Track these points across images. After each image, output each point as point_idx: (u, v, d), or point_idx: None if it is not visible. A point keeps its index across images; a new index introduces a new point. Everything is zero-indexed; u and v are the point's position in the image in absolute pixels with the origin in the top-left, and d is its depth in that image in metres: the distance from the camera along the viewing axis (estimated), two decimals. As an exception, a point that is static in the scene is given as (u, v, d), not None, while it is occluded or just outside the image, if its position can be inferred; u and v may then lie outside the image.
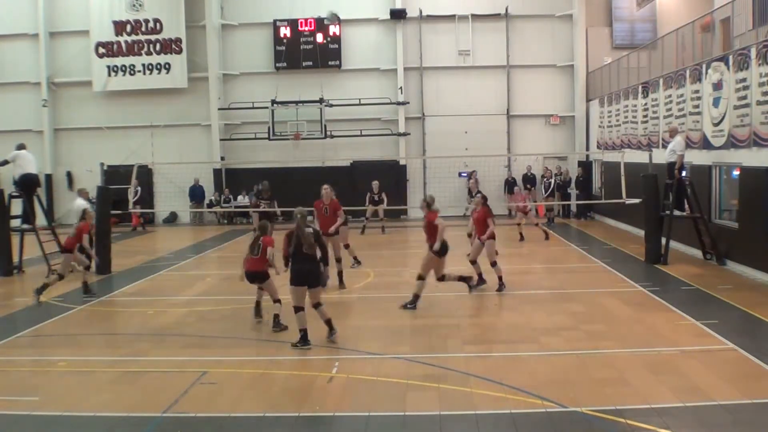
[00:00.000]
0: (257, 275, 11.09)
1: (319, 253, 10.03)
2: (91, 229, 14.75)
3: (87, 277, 14.30)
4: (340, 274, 14.19)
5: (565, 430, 6.88)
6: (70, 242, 13.86)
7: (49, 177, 28.65)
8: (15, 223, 17.02)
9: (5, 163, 17.00)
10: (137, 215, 26.05)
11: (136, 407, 7.71)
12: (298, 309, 9.87)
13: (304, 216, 10.03)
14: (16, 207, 17.11)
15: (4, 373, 9.12)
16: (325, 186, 14.79)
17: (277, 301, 11.00)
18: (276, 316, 10.86)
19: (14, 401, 7.90)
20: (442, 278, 12.28)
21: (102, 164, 19.41)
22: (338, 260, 14.27)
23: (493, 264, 13.41)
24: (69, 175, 29.30)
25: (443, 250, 11.95)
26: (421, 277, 12.12)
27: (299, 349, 9.70)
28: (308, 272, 9.85)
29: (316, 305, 10.05)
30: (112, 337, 11.16)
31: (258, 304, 11.60)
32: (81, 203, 16.58)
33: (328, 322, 10.11)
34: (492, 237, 13.42)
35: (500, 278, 13.33)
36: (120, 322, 12.27)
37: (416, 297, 12.13)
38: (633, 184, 17.83)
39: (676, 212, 16.11)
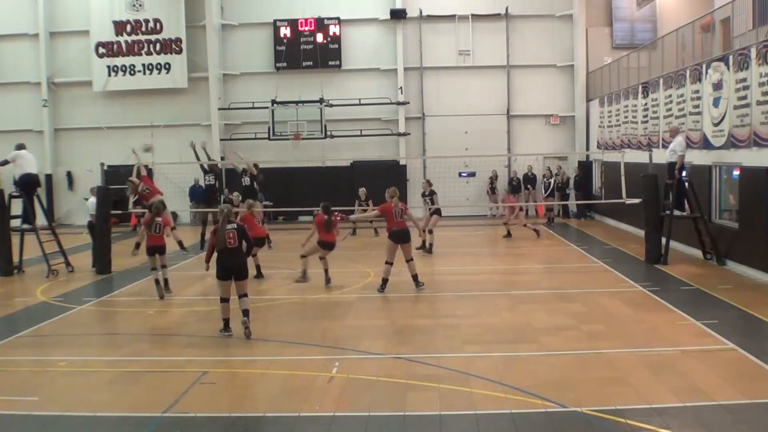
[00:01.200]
0: (158, 248, 13.43)
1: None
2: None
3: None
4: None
5: (565, 430, 6.88)
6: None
7: (49, 177, 28.65)
8: (15, 223, 17.01)
9: (5, 163, 16.99)
10: (135, 215, 25.99)
11: (136, 407, 7.72)
12: (224, 300, 10.47)
13: (229, 211, 10.59)
14: (16, 207, 17.10)
15: (4, 373, 9.11)
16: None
17: (164, 266, 13.64)
18: (166, 280, 13.58)
19: (14, 401, 7.90)
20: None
21: (102, 164, 19.41)
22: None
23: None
24: (69, 175, 29.31)
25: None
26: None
27: (222, 336, 10.37)
28: (235, 266, 10.37)
29: (243, 295, 10.47)
30: (112, 337, 11.16)
31: (157, 281, 13.42)
32: (94, 201, 17.00)
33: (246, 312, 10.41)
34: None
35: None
36: (120, 322, 12.28)
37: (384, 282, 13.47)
38: (633, 184, 17.83)
39: (676, 212, 16.12)
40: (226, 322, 10.53)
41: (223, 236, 10.24)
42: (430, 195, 19.00)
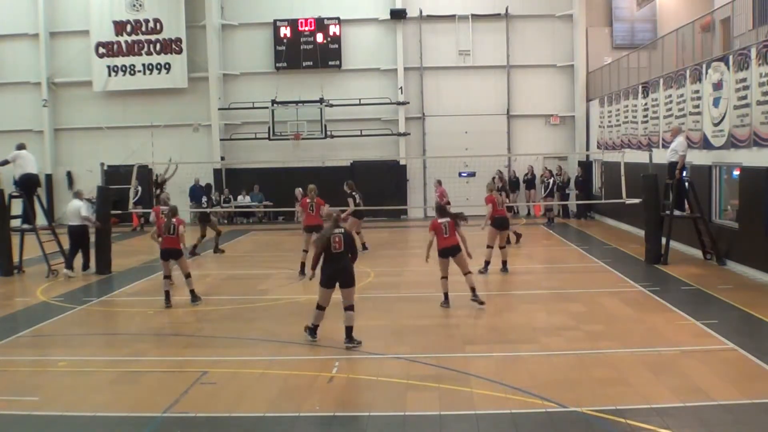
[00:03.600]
0: (173, 252, 12.73)
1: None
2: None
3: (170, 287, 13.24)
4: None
5: (565, 430, 6.89)
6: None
7: (49, 177, 28.64)
8: (15, 223, 17.02)
9: (5, 163, 16.99)
10: (135, 215, 26.03)
11: (136, 407, 7.72)
12: (321, 307, 9.95)
13: (338, 216, 10.12)
14: (16, 207, 17.10)
15: (4, 373, 9.12)
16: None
17: (188, 275, 12.86)
18: (192, 291, 12.81)
19: (14, 401, 7.90)
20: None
21: (102, 164, 19.41)
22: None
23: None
24: (69, 175, 29.29)
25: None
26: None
27: (307, 338, 9.99)
28: (341, 272, 9.79)
29: (348, 308, 9.81)
30: (112, 337, 11.16)
31: (167, 293, 12.80)
32: (77, 204, 16.48)
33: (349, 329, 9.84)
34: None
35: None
36: (120, 322, 12.28)
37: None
38: (633, 184, 17.83)
39: (676, 212, 16.12)
40: (316, 327, 9.97)
41: (329, 241, 9.71)
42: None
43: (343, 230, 9.88)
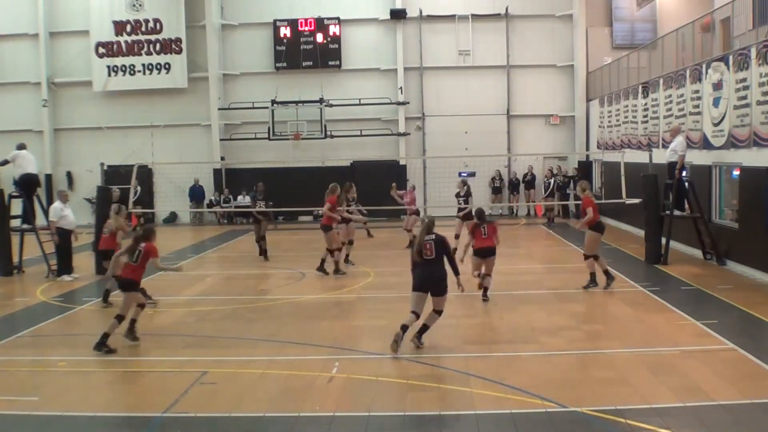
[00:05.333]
0: (129, 283, 10.08)
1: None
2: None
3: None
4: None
5: (565, 430, 6.88)
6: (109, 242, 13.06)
7: (49, 177, 28.63)
8: (15, 223, 17.01)
9: (5, 162, 16.99)
10: (136, 215, 26.00)
11: (136, 407, 7.72)
12: (414, 313, 9.53)
13: (431, 222, 9.82)
14: (16, 207, 17.10)
15: (4, 373, 9.11)
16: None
17: (141, 305, 10.34)
18: (133, 321, 10.17)
19: (14, 401, 7.90)
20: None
21: (102, 164, 19.41)
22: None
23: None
24: (69, 175, 29.30)
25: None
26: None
27: (395, 338, 9.28)
28: (432, 279, 9.56)
29: (437, 311, 9.65)
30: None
31: (133, 322, 10.22)
32: (55, 206, 16.00)
33: (423, 327, 9.66)
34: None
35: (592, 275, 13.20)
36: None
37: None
38: (633, 184, 17.82)
39: (676, 212, 16.12)
40: (405, 328, 9.45)
41: (421, 247, 9.62)
42: (465, 196, 17.55)
43: (434, 236, 9.61)
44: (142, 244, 10.16)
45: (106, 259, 12.47)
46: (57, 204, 16.23)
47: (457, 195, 17.81)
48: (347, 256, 16.56)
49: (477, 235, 12.39)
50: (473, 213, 13.37)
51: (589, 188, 14.06)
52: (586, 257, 13.21)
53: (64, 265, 15.90)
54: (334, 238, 15.25)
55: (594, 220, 13.05)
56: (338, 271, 15.29)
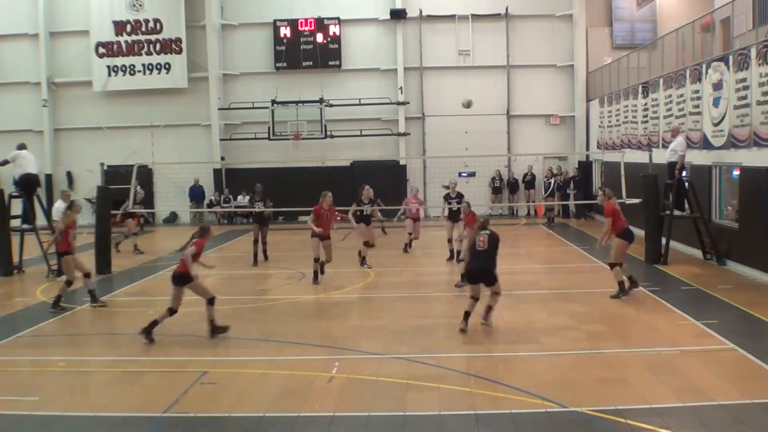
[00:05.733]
0: (181, 277, 10.49)
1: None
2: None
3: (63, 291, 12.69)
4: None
5: (565, 430, 6.88)
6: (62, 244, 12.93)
7: (49, 177, 28.64)
8: (15, 223, 17.01)
9: (5, 162, 16.99)
10: (137, 215, 25.99)
11: (136, 407, 7.71)
12: (473, 297, 10.53)
13: (485, 220, 10.89)
14: (16, 207, 17.09)
15: (4, 373, 9.11)
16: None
17: (210, 301, 10.59)
18: (212, 321, 10.52)
19: (14, 401, 7.90)
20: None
21: (102, 164, 19.40)
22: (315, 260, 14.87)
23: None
24: (69, 175, 29.30)
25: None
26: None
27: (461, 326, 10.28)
28: (483, 269, 10.45)
29: (495, 293, 10.66)
30: (112, 337, 11.15)
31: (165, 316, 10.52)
32: (59, 206, 16.30)
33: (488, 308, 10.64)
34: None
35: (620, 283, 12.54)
36: (120, 322, 12.26)
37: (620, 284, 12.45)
38: (633, 184, 17.82)
39: (676, 212, 16.12)
40: (467, 314, 10.43)
41: (475, 240, 10.54)
42: (457, 198, 16.90)
43: (489, 231, 10.57)
44: (194, 240, 10.69)
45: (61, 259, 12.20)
46: (60, 204, 16.29)
47: (447, 197, 17.09)
48: (363, 258, 16.38)
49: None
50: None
51: (613, 195, 12.87)
52: (612, 265, 12.56)
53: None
54: (313, 245, 14.70)
55: (619, 228, 12.43)
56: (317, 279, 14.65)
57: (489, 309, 10.62)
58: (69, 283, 12.72)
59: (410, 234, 18.39)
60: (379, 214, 18.57)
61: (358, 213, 16.82)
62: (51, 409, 7.65)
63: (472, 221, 13.19)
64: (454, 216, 16.63)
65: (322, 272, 14.90)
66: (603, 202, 12.82)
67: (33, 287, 14.87)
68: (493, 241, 10.54)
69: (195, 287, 10.58)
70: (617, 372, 8.47)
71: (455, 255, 15.95)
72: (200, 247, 10.70)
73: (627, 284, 12.53)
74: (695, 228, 16.09)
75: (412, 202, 18.73)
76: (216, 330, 10.54)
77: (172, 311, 10.44)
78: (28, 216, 16.87)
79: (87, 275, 13.08)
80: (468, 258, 10.68)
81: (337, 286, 14.33)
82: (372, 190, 17.40)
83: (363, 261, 16.38)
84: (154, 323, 10.33)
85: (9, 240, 16.59)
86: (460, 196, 16.79)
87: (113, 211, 18.46)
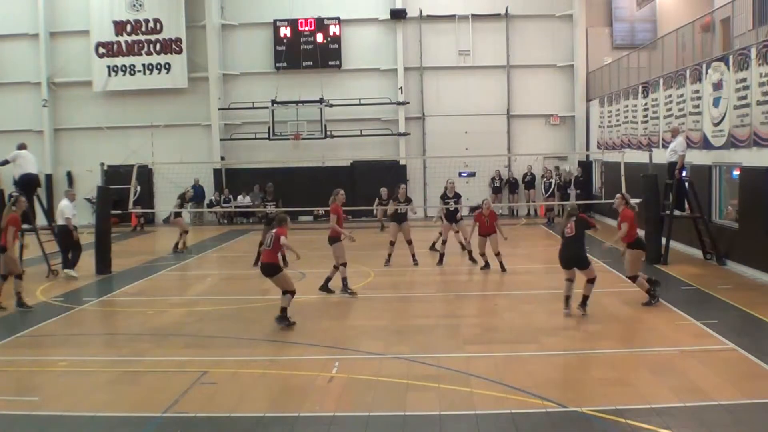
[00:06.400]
0: (268, 267, 11.01)
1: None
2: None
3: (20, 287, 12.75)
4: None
5: (565, 430, 6.88)
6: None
7: (49, 177, 28.61)
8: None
9: (5, 162, 16.99)
10: (136, 215, 26.03)
11: (136, 407, 7.72)
12: (568, 279, 11.33)
13: (573, 209, 11.55)
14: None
15: (4, 373, 9.11)
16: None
17: (286, 292, 10.93)
18: (283, 310, 10.89)
19: (14, 401, 7.90)
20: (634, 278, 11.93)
21: (102, 164, 19.41)
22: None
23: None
24: (69, 175, 29.29)
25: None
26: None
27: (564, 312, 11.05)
28: (571, 256, 11.26)
29: (590, 281, 11.25)
30: (112, 337, 11.16)
31: (284, 310, 10.99)
32: (62, 204, 16.30)
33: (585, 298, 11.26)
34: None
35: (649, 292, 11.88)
36: (120, 322, 12.27)
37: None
38: (633, 184, 17.81)
39: (676, 212, 16.11)
40: (567, 298, 11.21)
41: (563, 227, 11.31)
42: (455, 198, 16.78)
43: (576, 217, 11.25)
44: (274, 230, 11.06)
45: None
46: (67, 202, 16.45)
47: (444, 197, 16.78)
48: (389, 256, 16.50)
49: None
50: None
51: (631, 199, 12.24)
52: (632, 279, 11.89)
53: (73, 260, 16.17)
54: (340, 251, 13.44)
55: (631, 237, 11.84)
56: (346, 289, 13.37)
57: (585, 299, 11.18)
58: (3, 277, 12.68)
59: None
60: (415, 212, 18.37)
61: (396, 211, 16.77)
62: (51, 409, 7.65)
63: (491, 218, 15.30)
64: (451, 216, 16.62)
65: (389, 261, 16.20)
66: (619, 207, 12.14)
67: (33, 287, 14.84)
68: (580, 226, 11.19)
69: (280, 278, 11.05)
70: (617, 372, 8.47)
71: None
72: (284, 235, 11.10)
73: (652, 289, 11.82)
74: (695, 228, 16.09)
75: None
76: (284, 320, 10.85)
77: (293, 293, 11.00)
78: (27, 216, 16.83)
79: (19, 276, 12.84)
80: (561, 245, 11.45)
81: (337, 286, 14.31)
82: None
83: (388, 259, 16.49)
84: (284, 310, 10.85)
85: (9, 240, 16.56)
86: (457, 196, 16.76)
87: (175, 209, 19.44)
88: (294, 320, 10.97)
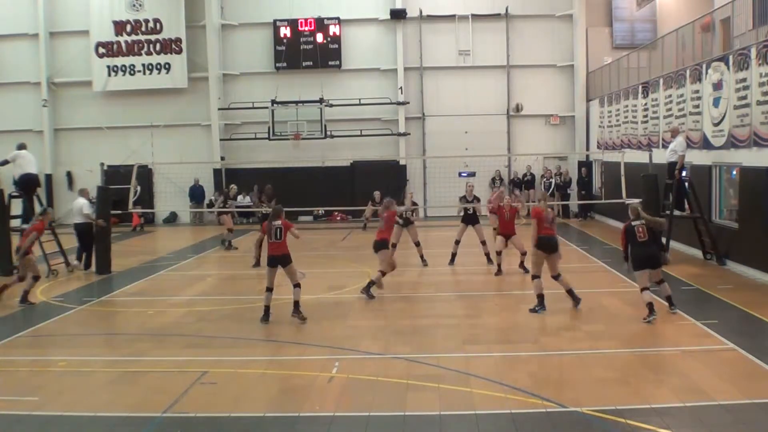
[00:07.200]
0: (283, 258, 11.41)
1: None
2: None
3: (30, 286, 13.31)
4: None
5: (565, 430, 6.88)
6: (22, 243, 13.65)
7: (49, 177, 28.64)
8: (15, 223, 17.01)
9: (5, 162, 17.00)
10: (137, 215, 26.03)
11: (136, 407, 7.72)
12: (644, 289, 11.14)
13: (634, 209, 11.48)
14: (16, 207, 17.09)
15: (4, 373, 9.12)
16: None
17: (296, 285, 11.41)
18: (297, 303, 11.38)
19: (14, 401, 7.90)
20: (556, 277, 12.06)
21: (102, 164, 19.41)
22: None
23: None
24: (69, 175, 29.30)
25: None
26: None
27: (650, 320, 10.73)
28: (650, 256, 11.20)
29: (661, 281, 11.37)
30: (112, 337, 11.16)
31: (267, 308, 11.42)
32: (81, 202, 16.69)
33: (668, 298, 11.36)
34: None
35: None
36: (120, 322, 12.27)
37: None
38: (633, 184, 17.83)
39: (676, 212, 16.12)
40: (650, 306, 10.94)
41: (634, 231, 11.17)
42: (474, 200, 16.67)
43: (643, 220, 11.25)
44: (278, 222, 11.41)
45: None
46: (84, 200, 16.81)
47: (464, 199, 16.62)
48: (421, 256, 16.50)
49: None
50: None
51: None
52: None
53: (87, 259, 16.69)
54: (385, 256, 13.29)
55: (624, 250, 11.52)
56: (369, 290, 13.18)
57: (669, 298, 11.27)
58: (21, 278, 13.47)
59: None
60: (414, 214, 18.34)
61: (400, 215, 16.73)
62: (51, 409, 7.66)
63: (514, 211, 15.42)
64: (468, 219, 16.59)
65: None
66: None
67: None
68: (651, 227, 11.22)
69: (292, 267, 11.47)
70: (617, 372, 8.48)
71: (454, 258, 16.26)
72: (290, 224, 11.62)
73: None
74: (695, 228, 16.09)
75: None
76: (299, 312, 11.35)
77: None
78: (28, 216, 16.86)
79: (35, 278, 13.50)
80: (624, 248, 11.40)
81: (337, 286, 14.33)
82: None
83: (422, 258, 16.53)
84: (298, 303, 11.38)
85: (9, 240, 16.59)
86: (476, 199, 16.77)
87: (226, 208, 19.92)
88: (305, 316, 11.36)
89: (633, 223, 11.18)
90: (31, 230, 13.84)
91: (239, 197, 27.87)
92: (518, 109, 26.62)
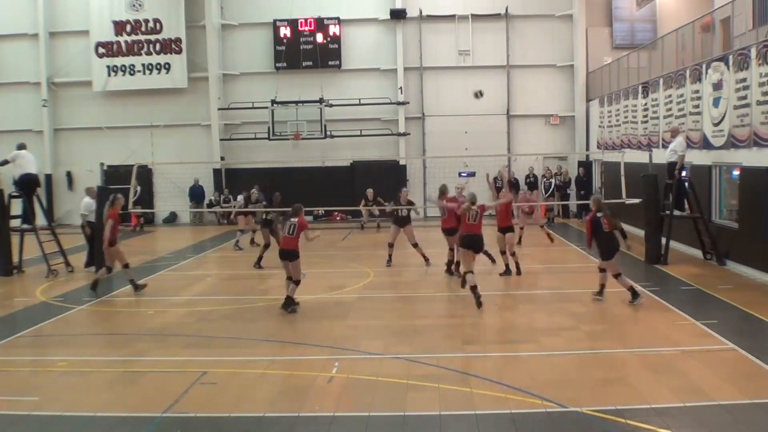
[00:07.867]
0: (290, 253, 11.99)
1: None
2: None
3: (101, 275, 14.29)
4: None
5: (565, 430, 6.89)
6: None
7: (49, 177, 28.64)
8: (15, 223, 17.01)
9: (5, 162, 17.00)
10: (136, 215, 26.03)
11: (136, 407, 7.72)
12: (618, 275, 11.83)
13: (597, 200, 12.22)
14: (16, 207, 17.09)
15: (4, 373, 9.12)
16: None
17: (297, 282, 12.02)
18: (289, 298, 11.95)
19: (14, 401, 7.90)
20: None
21: (102, 164, 19.40)
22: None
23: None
24: (69, 175, 29.29)
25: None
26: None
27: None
28: (618, 246, 11.79)
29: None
30: (112, 337, 11.16)
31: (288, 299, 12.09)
32: (88, 202, 16.83)
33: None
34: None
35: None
36: (120, 322, 12.27)
37: None
38: (633, 184, 17.83)
39: (676, 212, 16.12)
40: (632, 289, 11.76)
41: (599, 222, 11.69)
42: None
43: (607, 212, 11.86)
44: (294, 219, 12.03)
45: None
46: (88, 199, 16.99)
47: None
48: (390, 257, 16.54)
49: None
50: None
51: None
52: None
53: (93, 258, 16.65)
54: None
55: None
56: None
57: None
58: (109, 269, 14.21)
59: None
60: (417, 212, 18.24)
61: (395, 214, 16.73)
62: (51, 409, 7.65)
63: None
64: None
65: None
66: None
67: (33, 287, 14.89)
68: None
69: (298, 264, 12.03)
70: (617, 372, 8.48)
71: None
72: (306, 224, 12.22)
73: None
74: (695, 228, 16.09)
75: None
76: (290, 305, 11.92)
77: (298, 284, 12.17)
78: (27, 216, 16.87)
79: (125, 266, 14.28)
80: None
81: (337, 286, 14.33)
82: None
83: (389, 260, 16.50)
84: (290, 298, 11.92)
85: (9, 240, 16.60)
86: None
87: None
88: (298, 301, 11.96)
89: (597, 215, 11.69)
90: (107, 218, 14.17)
91: (239, 197, 27.84)
92: (478, 95, 26.56)
